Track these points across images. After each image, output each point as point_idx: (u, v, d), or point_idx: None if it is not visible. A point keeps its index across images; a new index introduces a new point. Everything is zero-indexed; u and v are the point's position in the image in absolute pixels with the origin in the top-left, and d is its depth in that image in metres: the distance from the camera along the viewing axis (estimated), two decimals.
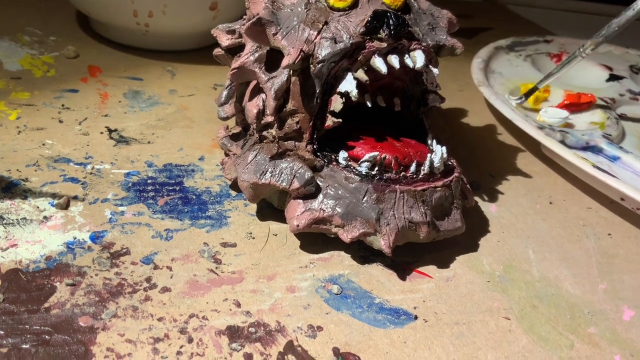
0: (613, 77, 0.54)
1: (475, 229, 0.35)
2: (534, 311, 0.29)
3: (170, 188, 0.34)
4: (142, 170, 0.36)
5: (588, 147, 0.42)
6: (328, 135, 0.32)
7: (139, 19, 0.46)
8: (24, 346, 0.23)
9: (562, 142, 0.42)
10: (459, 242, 0.33)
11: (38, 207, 0.31)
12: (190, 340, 0.25)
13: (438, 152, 0.32)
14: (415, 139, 0.34)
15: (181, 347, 0.25)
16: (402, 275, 0.30)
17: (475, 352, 0.26)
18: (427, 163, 0.31)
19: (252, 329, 0.26)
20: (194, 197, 0.34)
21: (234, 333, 0.26)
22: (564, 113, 0.45)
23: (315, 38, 0.30)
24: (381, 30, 0.30)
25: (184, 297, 0.27)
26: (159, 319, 0.26)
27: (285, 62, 0.30)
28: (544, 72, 0.54)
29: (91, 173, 0.35)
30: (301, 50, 0.30)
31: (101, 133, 0.39)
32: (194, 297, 0.27)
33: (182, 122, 0.41)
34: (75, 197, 0.32)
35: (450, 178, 0.32)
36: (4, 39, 0.49)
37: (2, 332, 0.24)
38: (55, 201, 0.32)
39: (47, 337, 0.24)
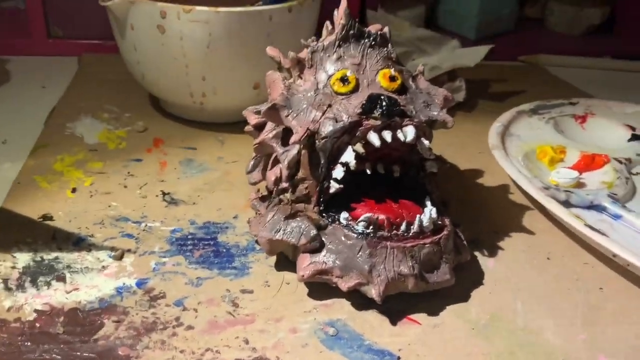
0: (635, 137, 0.56)
1: (469, 281, 0.38)
2: (511, 357, 0.33)
3: (206, 242, 0.41)
4: (185, 227, 0.43)
5: (592, 206, 0.45)
6: (336, 197, 0.37)
7: (194, 98, 0.54)
8: None
9: (567, 201, 0.45)
10: (452, 293, 0.37)
11: (98, 259, 0.39)
12: None
13: (427, 214, 0.36)
14: (418, 200, 0.39)
15: None
16: (394, 321, 0.35)
17: None
18: (416, 223, 0.36)
19: None
20: (224, 250, 0.40)
21: None
22: (574, 173, 0.48)
23: (320, 118, 0.36)
24: (375, 111, 0.36)
25: (204, 334, 0.33)
26: (181, 351, 0.32)
27: (293, 138, 0.36)
28: (567, 134, 0.57)
29: (144, 230, 0.42)
30: (307, 128, 0.36)
31: (156, 196, 0.46)
32: (211, 335, 0.33)
33: (223, 186, 0.48)
34: (129, 250, 0.40)
35: (439, 236, 0.36)
36: (87, 116, 0.59)
37: (60, 357, 0.31)
38: (113, 253, 0.39)
39: None
